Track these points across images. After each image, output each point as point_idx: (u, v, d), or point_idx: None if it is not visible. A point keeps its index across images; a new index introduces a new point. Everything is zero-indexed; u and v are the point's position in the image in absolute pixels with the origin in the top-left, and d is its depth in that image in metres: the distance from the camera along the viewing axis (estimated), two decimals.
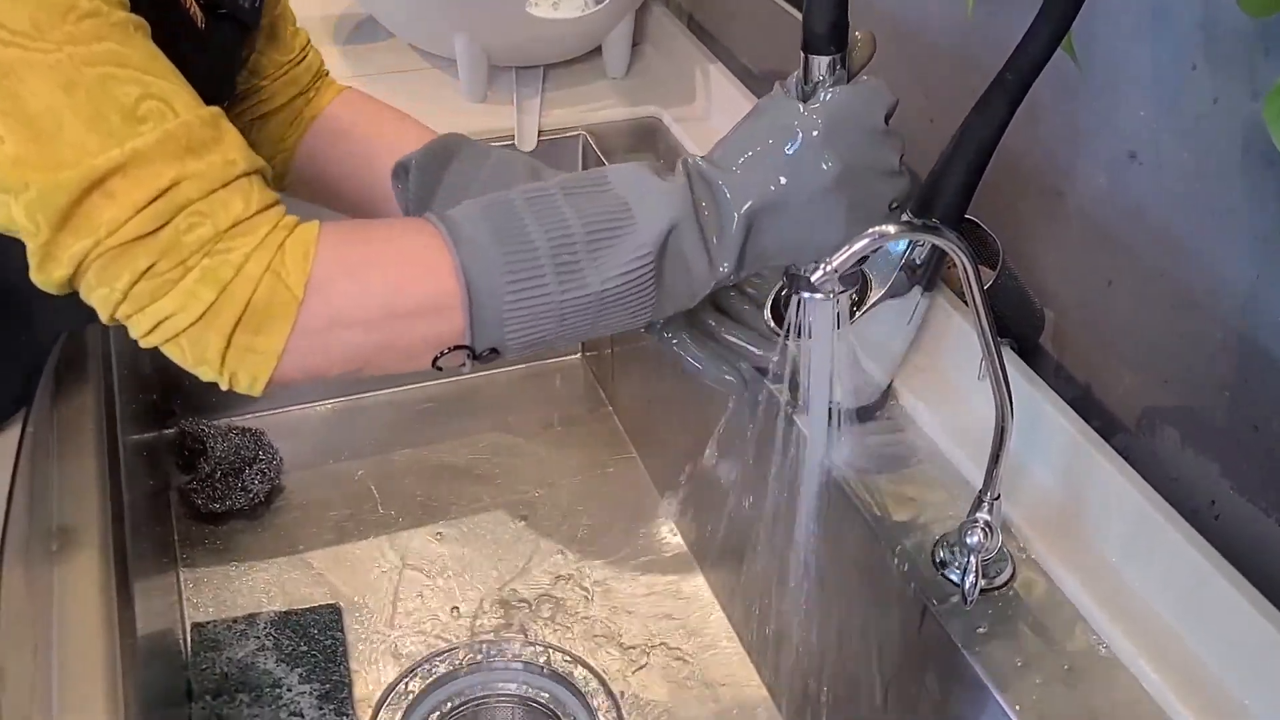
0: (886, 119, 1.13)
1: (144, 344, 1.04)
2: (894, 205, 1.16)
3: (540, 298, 1.08)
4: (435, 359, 1.11)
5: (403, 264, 1.08)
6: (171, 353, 1.04)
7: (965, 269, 1.12)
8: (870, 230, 1.07)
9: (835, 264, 1.07)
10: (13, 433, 1.38)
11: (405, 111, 1.53)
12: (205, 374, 1.05)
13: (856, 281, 1.28)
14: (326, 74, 1.55)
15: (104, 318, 1.03)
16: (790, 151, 1.11)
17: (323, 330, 1.05)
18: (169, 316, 1.01)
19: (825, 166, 1.10)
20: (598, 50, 2.17)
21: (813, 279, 1.11)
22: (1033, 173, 1.42)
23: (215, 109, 1.05)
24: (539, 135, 2.02)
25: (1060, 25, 1.09)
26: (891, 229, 1.10)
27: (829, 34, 1.12)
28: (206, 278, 1.00)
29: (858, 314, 1.34)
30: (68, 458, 1.37)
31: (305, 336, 1.04)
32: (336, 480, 2.01)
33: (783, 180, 1.11)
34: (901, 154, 1.15)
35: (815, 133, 1.10)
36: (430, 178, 1.40)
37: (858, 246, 1.06)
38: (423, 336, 1.09)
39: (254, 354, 1.04)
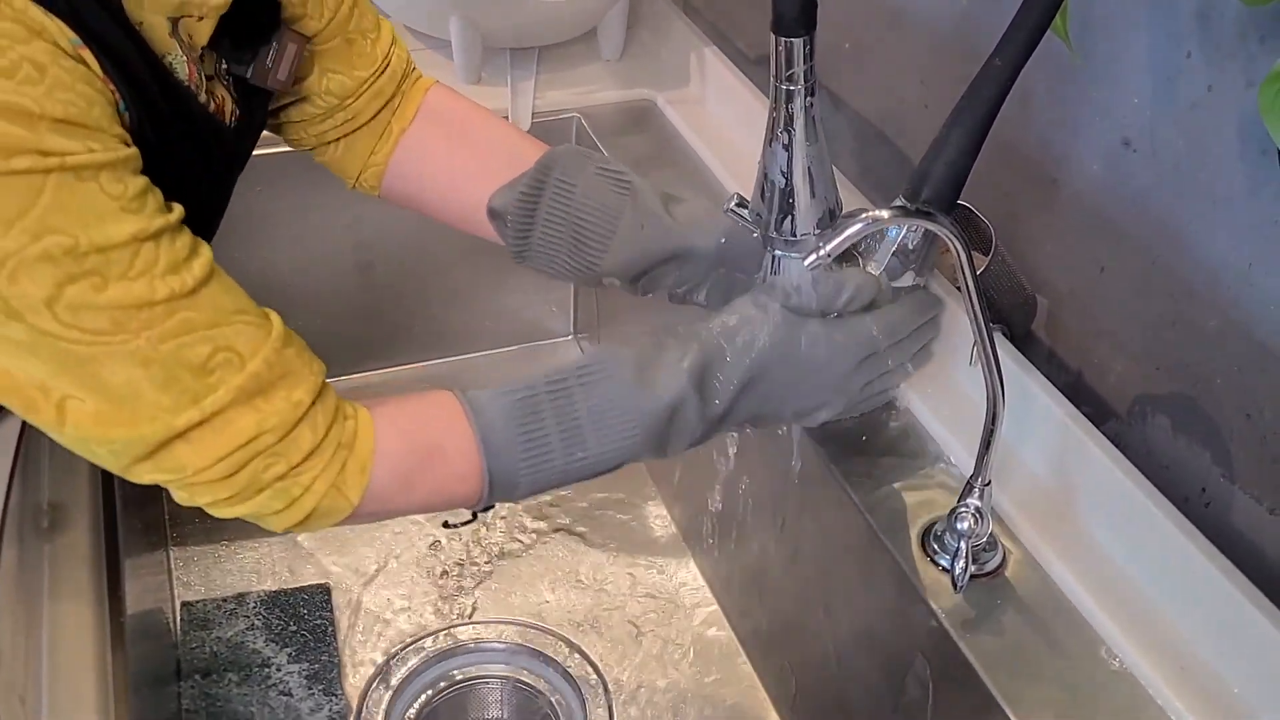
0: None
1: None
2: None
3: (548, 476, 1.22)
4: (446, 523, 1.35)
5: (445, 475, 1.19)
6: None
7: (958, 254, 1.12)
8: (864, 215, 1.07)
9: (828, 249, 1.07)
10: (15, 420, 1.37)
11: (494, 116, 1.53)
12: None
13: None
14: (414, 68, 1.50)
15: (180, 502, 1.10)
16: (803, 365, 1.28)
17: (367, 514, 1.16)
18: (240, 514, 1.10)
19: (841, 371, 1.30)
20: (592, 32, 2.17)
21: (805, 263, 1.11)
22: (1027, 159, 1.42)
23: (278, 333, 1.09)
24: (533, 117, 2.01)
25: (1047, 9, 1.08)
26: (885, 214, 1.10)
27: (799, 17, 1.11)
28: (279, 495, 1.09)
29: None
30: None
31: (352, 521, 1.16)
32: None
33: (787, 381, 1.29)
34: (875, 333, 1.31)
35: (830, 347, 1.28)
36: (524, 218, 1.44)
37: (851, 231, 1.06)
38: (443, 508, 1.24)
39: (306, 529, 1.15)
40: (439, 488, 1.20)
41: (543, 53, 2.16)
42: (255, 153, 1.37)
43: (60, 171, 0.94)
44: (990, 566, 1.27)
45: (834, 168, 1.27)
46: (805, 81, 1.16)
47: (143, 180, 1.01)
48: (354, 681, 1.67)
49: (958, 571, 1.22)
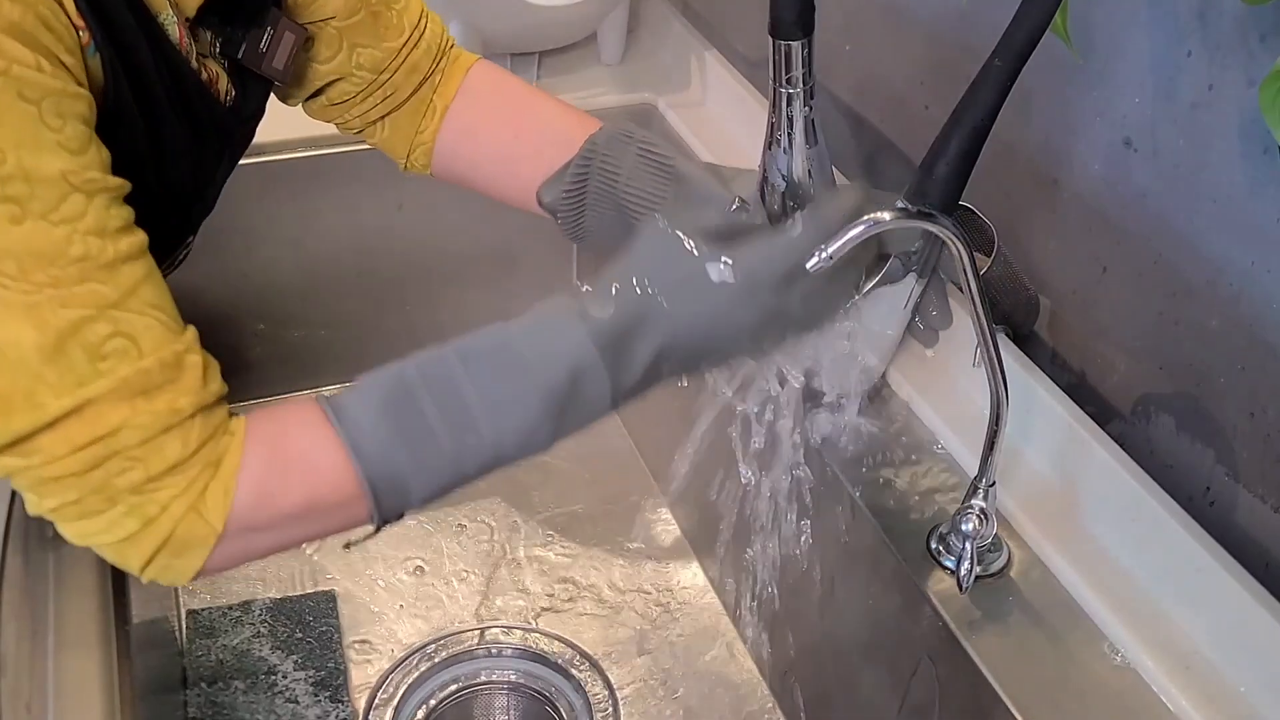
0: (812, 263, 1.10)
1: (69, 540, 1.05)
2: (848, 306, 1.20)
3: (440, 477, 1.11)
4: (346, 544, 1.18)
5: (310, 484, 1.08)
6: (96, 550, 1.06)
7: (960, 256, 1.12)
8: (865, 217, 1.07)
9: (830, 250, 1.07)
10: None
11: (540, 92, 1.51)
12: (129, 570, 1.07)
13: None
14: (453, 46, 1.49)
15: (29, 511, 1.04)
16: (701, 299, 1.11)
17: (239, 545, 1.07)
18: (94, 534, 1.02)
19: (745, 322, 1.11)
20: (593, 37, 2.17)
21: (807, 267, 1.11)
22: (1028, 160, 1.42)
23: (185, 341, 1.04)
24: None
25: (1046, 9, 1.08)
26: (886, 216, 1.10)
27: (797, 20, 1.11)
28: (132, 512, 1.01)
29: (852, 301, 1.34)
30: None
31: (223, 552, 1.06)
32: None
33: (697, 324, 1.11)
34: (856, 282, 1.20)
35: (730, 285, 1.10)
36: (573, 208, 1.41)
37: (853, 233, 1.06)
38: (333, 528, 1.12)
39: (173, 570, 1.05)
40: (315, 504, 1.09)
41: (543, 57, 2.16)
42: (257, 160, 1.37)
43: (3, 78, 0.92)
44: (995, 567, 1.27)
45: (834, 169, 1.27)
46: (804, 85, 1.16)
47: (86, 131, 0.98)
48: (360, 688, 1.67)
49: (963, 573, 1.22)
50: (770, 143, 1.22)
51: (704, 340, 1.12)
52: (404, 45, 1.41)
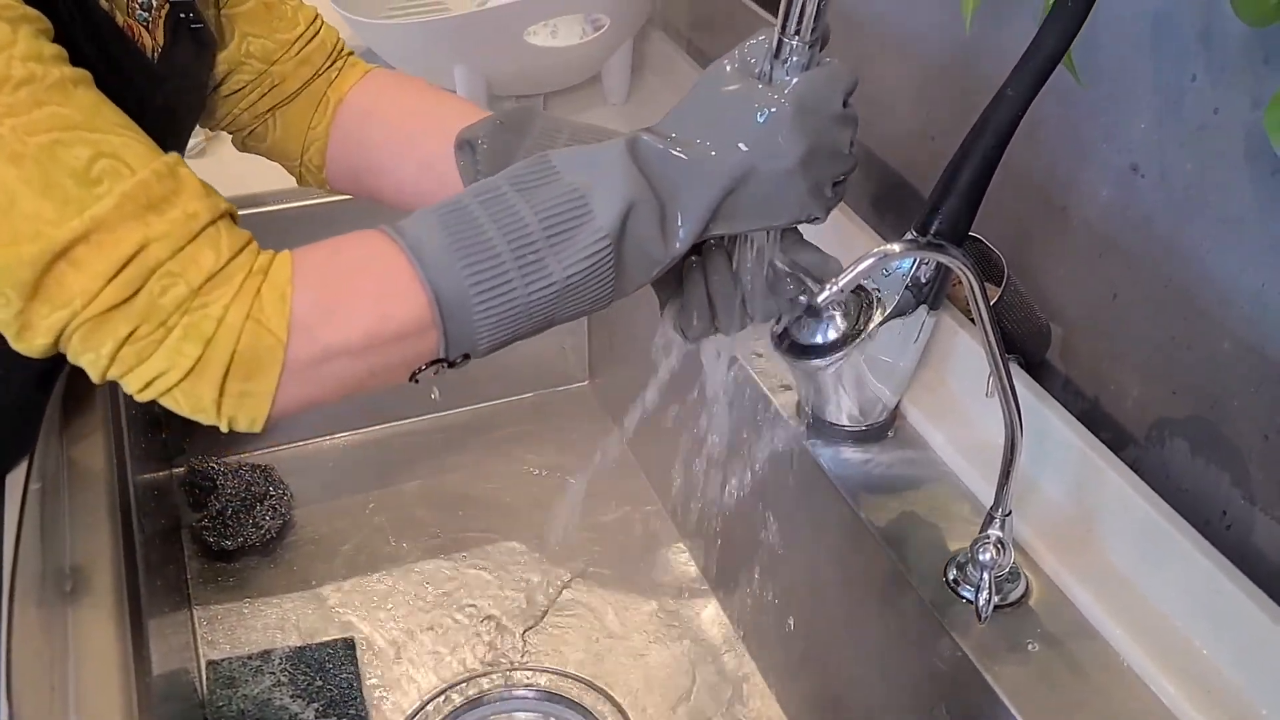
0: (845, 101, 1.10)
1: (139, 399, 1.03)
2: (838, 182, 1.12)
3: (508, 300, 1.06)
4: (413, 375, 1.10)
5: (377, 292, 1.05)
6: (168, 404, 1.03)
7: (971, 286, 1.12)
8: (875, 250, 1.07)
9: (842, 284, 1.07)
10: (19, 473, 1.38)
11: (439, 89, 1.49)
12: (204, 419, 1.04)
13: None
14: (350, 54, 1.50)
15: (94, 379, 1.02)
16: (758, 130, 1.07)
17: (311, 366, 1.04)
18: (159, 375, 1.00)
19: (789, 149, 1.07)
20: (597, 77, 2.18)
21: (819, 299, 1.11)
22: (1035, 188, 1.42)
23: (172, 156, 1.03)
24: None
25: (1063, 39, 1.09)
26: (897, 247, 1.10)
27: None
28: (189, 335, 0.99)
29: (864, 334, 1.34)
30: (78, 498, 1.37)
31: (296, 373, 1.03)
32: (347, 513, 2.01)
33: (749, 160, 1.07)
34: (854, 135, 1.13)
35: (782, 116, 1.07)
36: (502, 150, 1.35)
37: (863, 266, 1.06)
38: (404, 357, 1.08)
39: (249, 398, 1.03)
40: (378, 309, 1.05)
41: (548, 99, 2.17)
42: (269, 209, 1.37)
43: None
44: (1014, 597, 1.27)
45: (843, 202, 1.27)
46: (812, 33, 1.12)
47: None
48: None
49: (981, 603, 1.22)
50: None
51: (754, 177, 1.08)
52: (297, 39, 1.43)
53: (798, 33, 1.06)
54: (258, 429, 1.05)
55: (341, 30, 1.78)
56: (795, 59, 1.07)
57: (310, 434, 2.11)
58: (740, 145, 1.07)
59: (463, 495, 2.05)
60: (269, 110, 1.45)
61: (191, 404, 1.02)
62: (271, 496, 1.93)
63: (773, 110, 1.06)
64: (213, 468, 1.96)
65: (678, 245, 1.09)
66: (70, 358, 1.01)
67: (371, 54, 2.25)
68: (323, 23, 1.47)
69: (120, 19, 1.18)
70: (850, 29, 1.73)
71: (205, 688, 1.70)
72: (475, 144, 1.35)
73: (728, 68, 1.11)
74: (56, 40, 1.03)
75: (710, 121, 1.09)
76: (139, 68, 1.20)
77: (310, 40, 1.44)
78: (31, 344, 0.99)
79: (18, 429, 1.40)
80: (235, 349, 1.00)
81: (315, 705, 1.68)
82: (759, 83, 1.08)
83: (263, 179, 1.62)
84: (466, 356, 1.10)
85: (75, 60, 1.04)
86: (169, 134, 1.28)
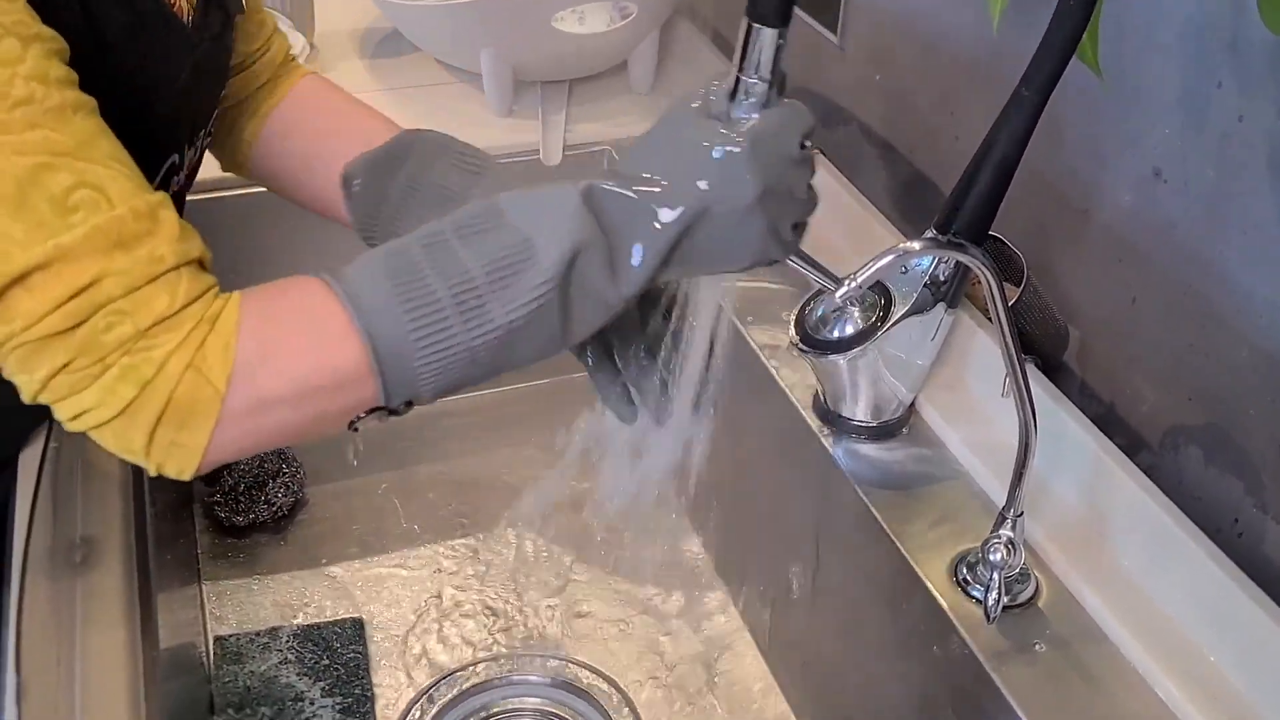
0: (803, 143, 1.09)
1: (68, 429, 1.02)
2: (795, 226, 1.11)
3: (448, 346, 1.06)
4: (352, 423, 1.09)
5: (314, 341, 1.05)
6: (97, 439, 1.03)
7: (990, 285, 1.12)
8: (895, 246, 1.07)
9: (861, 280, 1.07)
10: (36, 447, 1.38)
11: (364, 104, 1.51)
12: (132, 460, 1.03)
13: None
14: (293, 59, 1.54)
15: (25, 399, 1.01)
16: (714, 168, 1.06)
17: (249, 415, 1.03)
18: (89, 410, 0.99)
19: (746, 187, 1.06)
20: (623, 65, 2.17)
21: (837, 296, 1.11)
22: (1058, 190, 1.42)
23: (158, 197, 1.02)
24: (564, 150, 2.02)
25: (1071, 37, 1.09)
26: (916, 245, 1.10)
27: (779, 5, 1.10)
28: (126, 375, 0.98)
29: (881, 330, 1.34)
30: (91, 471, 1.37)
31: (231, 423, 1.02)
32: (359, 493, 2.01)
33: (705, 198, 1.06)
34: (810, 179, 1.11)
35: (739, 152, 1.06)
36: (374, 187, 1.39)
37: (882, 263, 1.06)
38: (343, 405, 1.07)
39: (179, 448, 1.02)
40: (317, 357, 1.04)
41: (574, 86, 2.16)
42: (255, 189, 1.38)
43: None
44: (1023, 598, 1.26)
45: (865, 199, 1.27)
46: (770, 77, 1.13)
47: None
48: (388, 715, 1.67)
49: (991, 603, 1.22)
50: None
51: (710, 216, 1.07)
52: (254, 51, 1.46)
53: (756, 72, 1.06)
54: (186, 478, 1.05)
55: (369, 12, 1.78)
56: (753, 99, 1.07)
57: None
58: (696, 183, 1.06)
59: (474, 479, 2.05)
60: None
61: (120, 444, 1.02)
62: (284, 474, 1.93)
63: (729, 148, 1.06)
64: None
65: (631, 287, 1.08)
66: (5, 374, 1.01)
67: (399, 36, 2.26)
68: (276, 37, 1.50)
69: None
70: (876, 26, 1.73)
71: (212, 663, 1.70)
72: (350, 183, 1.39)
73: (687, 108, 1.11)
74: (88, 8, 1.04)
75: (666, 160, 1.08)
76: (172, 30, 1.20)
77: (262, 56, 1.47)
78: None
79: (34, 406, 1.40)
80: (171, 397, 0.99)
81: (322, 684, 1.68)
82: (717, 122, 1.08)
83: None
84: (409, 404, 1.10)
85: (105, 24, 1.05)
86: (203, 97, 1.30)
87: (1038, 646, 1.22)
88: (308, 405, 1.05)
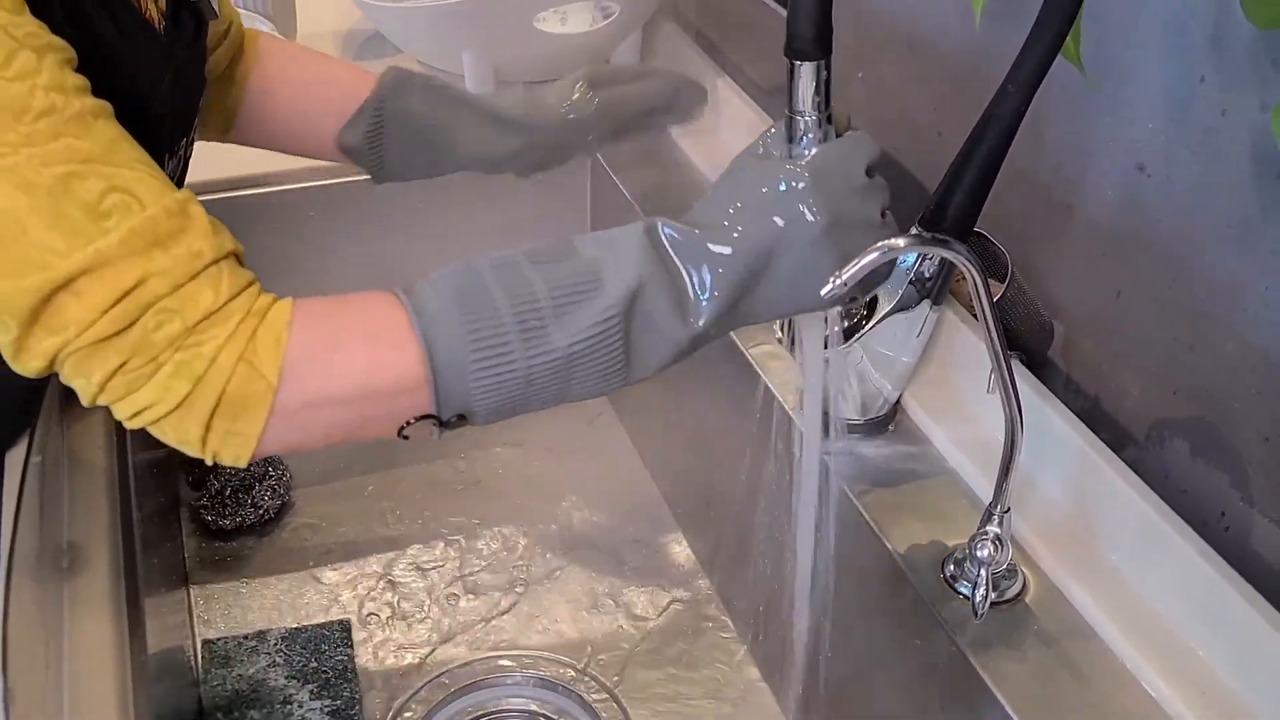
0: (870, 171, 1.10)
1: (128, 426, 1.03)
2: None
3: (505, 364, 1.06)
4: (400, 429, 1.10)
5: (370, 343, 1.06)
6: (156, 434, 1.04)
7: (974, 282, 1.12)
8: (879, 243, 1.07)
9: (845, 277, 1.07)
10: (19, 450, 1.38)
11: (317, 51, 1.63)
12: (190, 451, 1.04)
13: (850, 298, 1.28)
14: (249, 30, 1.59)
15: (84, 403, 1.02)
16: (779, 202, 1.08)
17: (299, 411, 1.04)
18: (147, 407, 1.01)
19: (813, 220, 1.07)
20: (606, 64, 2.17)
21: (822, 292, 1.11)
22: (1041, 186, 1.42)
23: (185, 193, 1.03)
24: None
25: (1057, 33, 1.08)
26: (901, 242, 1.10)
27: (815, 37, 1.10)
28: (180, 371, 0.99)
29: (866, 327, 1.34)
30: (78, 474, 1.37)
31: (283, 418, 1.03)
32: (346, 496, 2.01)
33: (772, 233, 1.08)
34: (885, 206, 1.12)
35: (802, 185, 1.07)
36: (375, 151, 1.55)
37: (867, 260, 1.06)
38: (391, 411, 1.08)
39: (234, 436, 1.03)
40: (372, 359, 1.05)
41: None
42: (271, 189, 1.39)
43: None
44: (1010, 594, 1.27)
45: None
46: (820, 111, 1.15)
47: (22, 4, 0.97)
48: (376, 718, 1.67)
49: (978, 599, 1.22)
50: None
51: (779, 252, 1.08)
52: (224, 32, 1.50)
53: (805, 107, 1.08)
54: (242, 464, 1.06)
55: (351, 14, 1.78)
56: (810, 135, 1.09)
57: None
58: (761, 220, 1.07)
59: (461, 480, 2.05)
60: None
61: (178, 437, 1.03)
62: (271, 477, 1.94)
63: (790, 183, 1.07)
64: None
65: (699, 324, 1.09)
66: (63, 380, 1.02)
67: (381, 38, 2.26)
68: (235, 13, 1.55)
69: None
70: (860, 23, 1.72)
71: (200, 667, 1.70)
72: (347, 148, 1.56)
73: (747, 155, 1.13)
74: (77, 23, 1.04)
75: (732, 203, 1.10)
76: (150, 40, 1.20)
77: (231, 30, 1.52)
78: (26, 366, 1.00)
79: (19, 407, 1.41)
80: (224, 389, 1.00)
81: (310, 686, 1.68)
82: (780, 160, 1.10)
83: (270, 159, 1.63)
84: (463, 419, 1.10)
85: (95, 39, 1.06)
86: (182, 105, 1.30)
87: (1025, 643, 1.22)
88: (361, 406, 1.06)
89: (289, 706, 1.65)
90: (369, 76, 1.55)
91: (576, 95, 1.60)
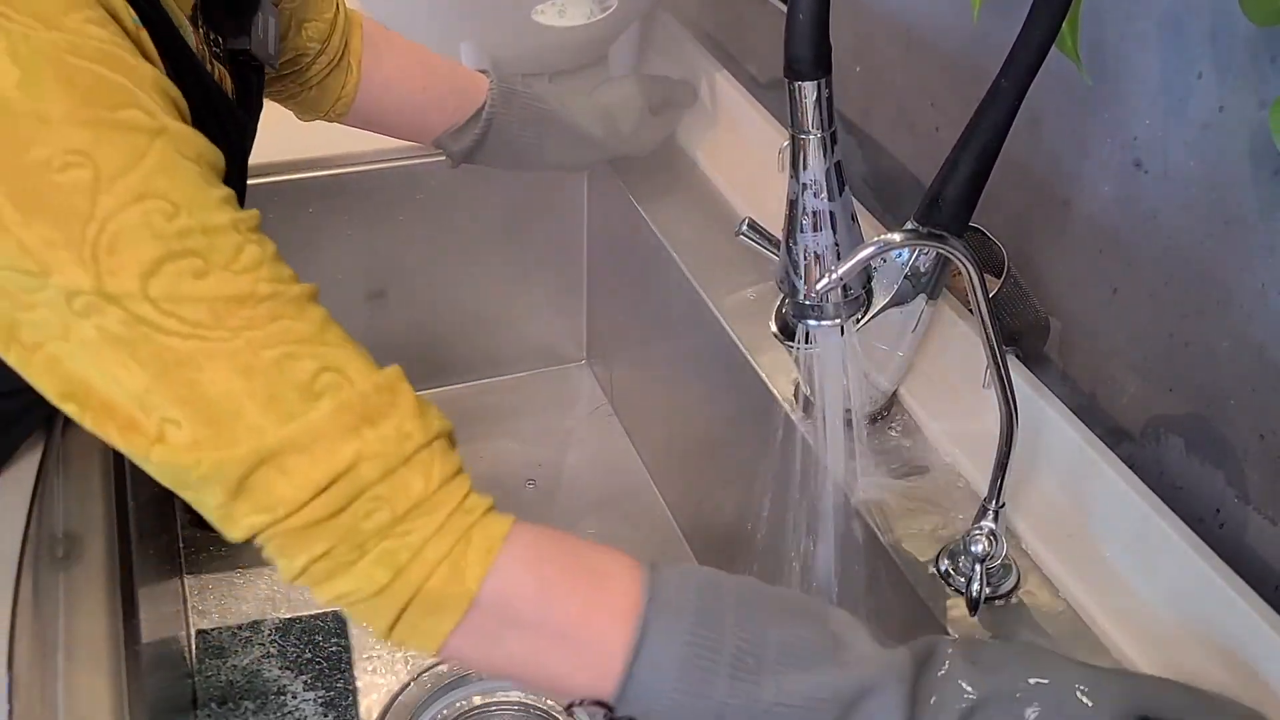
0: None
1: (323, 605, 1.03)
2: None
3: (703, 690, 0.97)
4: (570, 705, 1.04)
5: (594, 598, 0.99)
6: (348, 612, 1.00)
7: (970, 277, 1.12)
8: (875, 239, 1.07)
9: (841, 272, 1.07)
10: (34, 455, 1.37)
11: (421, 45, 1.78)
12: (378, 635, 1.00)
13: (859, 306, 1.28)
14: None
15: (284, 580, 0.98)
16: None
17: (492, 630, 0.99)
18: (345, 592, 0.97)
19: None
20: (604, 57, 2.17)
21: (818, 287, 1.11)
22: (1038, 181, 1.42)
23: (394, 370, 1.00)
24: None
25: (1050, 27, 1.08)
26: (897, 237, 1.10)
27: (814, 57, 1.10)
28: (383, 560, 0.95)
29: (861, 321, 1.34)
30: (73, 465, 1.37)
31: (472, 629, 0.98)
32: None
33: None
34: None
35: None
36: (474, 151, 1.78)
37: (863, 255, 1.06)
38: (579, 666, 1.00)
39: (421, 632, 0.98)
40: (583, 613, 0.99)
41: (554, 78, 2.16)
42: (263, 180, 1.39)
43: (165, 137, 0.91)
44: (1005, 589, 1.27)
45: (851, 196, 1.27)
46: (825, 129, 1.15)
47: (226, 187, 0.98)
48: (370, 708, 1.67)
49: (973, 594, 1.22)
50: (795, 227, 1.21)
51: None
52: (335, 13, 1.57)
53: (813, 127, 1.13)
54: (429, 657, 1.03)
55: (349, 2, 1.78)
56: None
57: None
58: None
59: None
60: (315, 86, 1.61)
61: (369, 622, 1.00)
62: None
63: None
64: None
65: None
66: (264, 556, 0.99)
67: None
68: None
69: (208, 65, 1.19)
70: (856, 17, 1.72)
71: (194, 657, 1.70)
72: (448, 150, 1.80)
73: None
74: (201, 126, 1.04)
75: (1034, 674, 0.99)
76: (228, 111, 1.21)
77: (339, 9, 1.59)
78: (229, 535, 0.97)
79: (32, 415, 1.39)
80: (423, 585, 0.96)
81: (304, 677, 1.68)
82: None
83: (270, 149, 1.62)
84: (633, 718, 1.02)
85: (192, 119, 1.04)
86: (246, 161, 1.34)
87: (1019, 637, 1.22)
88: (547, 653, 1.01)
89: (283, 697, 1.65)
90: (474, 79, 1.77)
91: (645, 129, 1.92)
